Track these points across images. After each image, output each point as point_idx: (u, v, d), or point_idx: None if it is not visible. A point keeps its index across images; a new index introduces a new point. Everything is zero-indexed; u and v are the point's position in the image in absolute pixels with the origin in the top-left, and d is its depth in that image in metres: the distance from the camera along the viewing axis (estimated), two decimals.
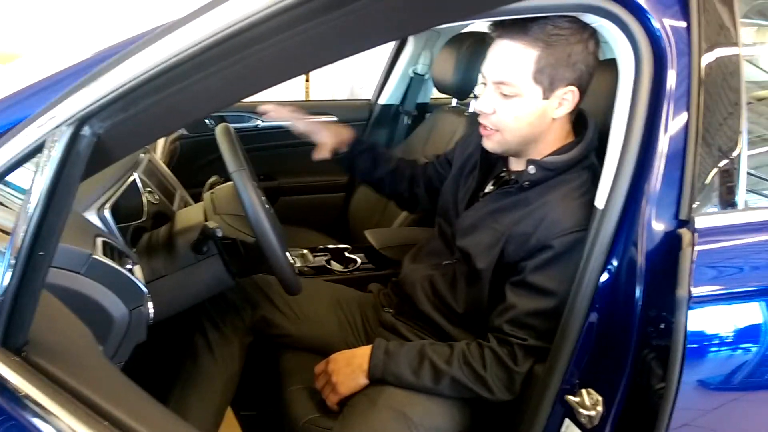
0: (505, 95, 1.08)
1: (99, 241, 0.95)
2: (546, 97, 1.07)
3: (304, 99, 4.61)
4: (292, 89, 4.59)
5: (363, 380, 1.18)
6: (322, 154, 1.48)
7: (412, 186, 1.51)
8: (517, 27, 1.03)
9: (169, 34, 0.56)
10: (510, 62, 1.05)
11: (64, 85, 0.62)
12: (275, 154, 2.38)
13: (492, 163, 1.28)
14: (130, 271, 0.96)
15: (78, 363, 0.61)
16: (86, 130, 0.57)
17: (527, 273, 1.09)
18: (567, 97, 1.08)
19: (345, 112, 2.46)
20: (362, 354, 1.19)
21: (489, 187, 1.26)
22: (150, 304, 0.98)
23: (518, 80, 1.05)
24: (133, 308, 0.93)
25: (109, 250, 0.95)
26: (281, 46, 0.57)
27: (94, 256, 0.89)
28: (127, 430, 0.52)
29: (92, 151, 0.58)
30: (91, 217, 1.03)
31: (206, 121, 2.20)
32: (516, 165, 1.21)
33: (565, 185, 1.10)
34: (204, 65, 0.55)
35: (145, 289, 0.95)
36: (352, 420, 1.12)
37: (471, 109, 1.97)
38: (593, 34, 1.05)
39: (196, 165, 2.15)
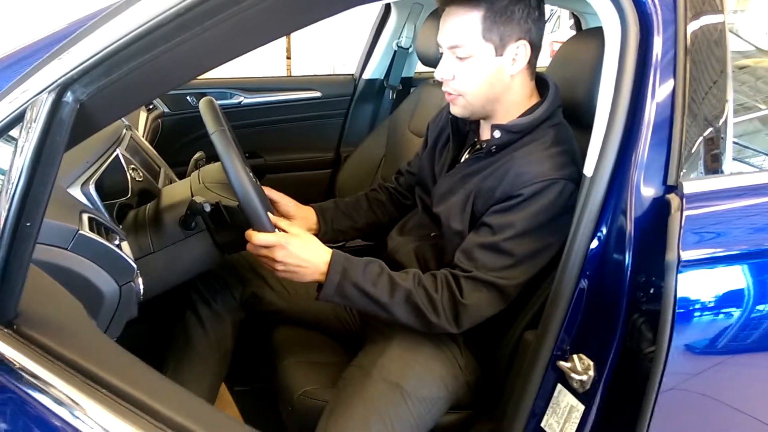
0: (460, 58, 1.12)
1: (85, 216, 0.93)
2: (499, 53, 1.11)
3: (286, 75, 4.57)
4: (273, 66, 4.54)
5: (315, 277, 1.12)
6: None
7: (400, 204, 1.53)
8: None
9: None
10: (459, 26, 1.10)
11: (43, 54, 0.60)
12: (260, 131, 2.36)
13: (464, 135, 1.31)
14: (118, 246, 0.95)
15: (70, 334, 0.60)
16: (68, 97, 0.56)
17: (486, 216, 1.13)
18: (519, 52, 1.11)
19: (329, 87, 2.44)
20: (319, 257, 1.11)
21: (464, 157, 1.28)
22: (140, 280, 0.97)
23: (469, 41, 1.10)
24: (123, 284, 0.92)
25: (95, 225, 0.93)
26: (267, 4, 0.55)
27: (81, 232, 0.87)
28: (124, 396, 0.52)
29: (75, 117, 0.56)
30: (76, 192, 1.01)
31: (188, 98, 2.17)
32: (485, 132, 1.25)
33: (530, 144, 1.14)
34: (188, 25, 0.53)
35: (134, 265, 0.94)
36: (347, 392, 1.13)
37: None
38: None
39: (179, 143, 2.13)
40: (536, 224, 1.08)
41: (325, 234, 1.45)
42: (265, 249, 1.08)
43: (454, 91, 1.16)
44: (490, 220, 1.12)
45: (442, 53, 1.17)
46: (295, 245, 1.09)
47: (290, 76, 4.06)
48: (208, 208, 1.09)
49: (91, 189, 1.03)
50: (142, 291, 0.98)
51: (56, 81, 0.56)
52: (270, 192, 1.37)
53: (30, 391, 0.55)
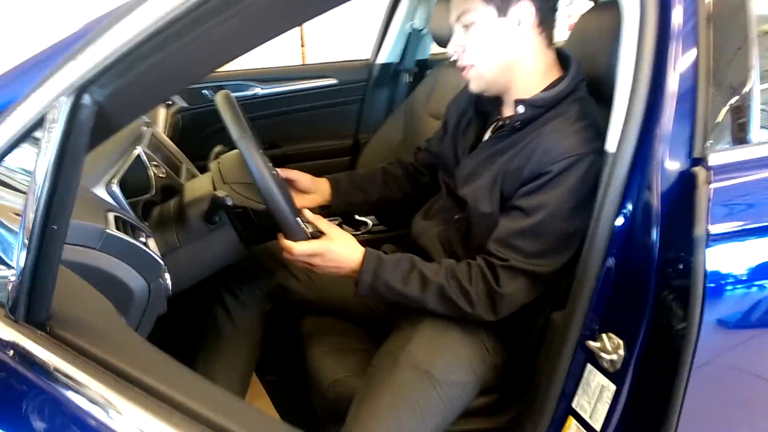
0: (466, 26, 1.13)
1: (111, 215, 0.95)
2: (502, 15, 1.10)
3: (300, 63, 4.56)
4: (288, 56, 4.53)
5: (348, 275, 1.17)
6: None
7: (415, 180, 1.52)
8: None
9: None
10: None
11: (60, 57, 0.60)
12: (277, 121, 2.36)
13: (486, 114, 1.30)
14: (145, 244, 0.96)
15: (102, 333, 0.61)
16: (86, 99, 0.56)
17: (517, 198, 1.12)
18: (524, 12, 1.10)
19: (343, 73, 2.43)
20: (353, 258, 1.15)
21: (487, 136, 1.27)
22: (167, 276, 0.99)
23: (471, 6, 1.11)
24: (152, 281, 0.93)
25: (121, 224, 0.95)
26: None
27: (107, 231, 0.89)
28: (157, 394, 0.52)
29: (95, 119, 0.56)
30: (100, 192, 1.03)
31: (205, 92, 2.18)
32: (507, 109, 1.23)
33: (555, 119, 1.12)
34: (201, 20, 0.53)
35: (161, 261, 0.96)
36: (375, 380, 1.13)
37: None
38: None
39: (198, 137, 2.14)
40: (569, 204, 1.07)
41: (337, 207, 1.47)
42: (304, 257, 1.13)
43: (467, 62, 1.16)
44: (521, 202, 1.10)
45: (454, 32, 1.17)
46: (333, 249, 1.14)
47: (311, 63, 4.05)
48: (230, 202, 1.10)
49: (115, 188, 1.04)
50: (170, 287, 0.99)
51: (73, 84, 0.57)
52: (286, 172, 1.38)
53: (65, 392, 0.56)
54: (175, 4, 0.54)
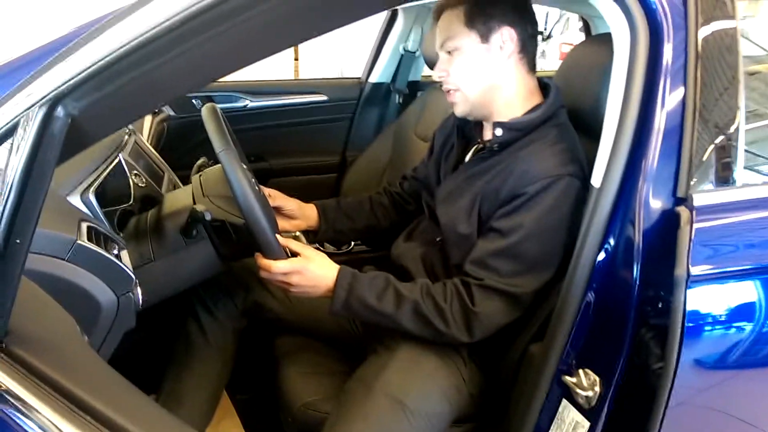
0: (449, 53, 1.17)
1: (84, 225, 0.92)
2: (485, 41, 1.14)
3: (293, 78, 4.56)
4: (281, 68, 4.53)
5: (323, 294, 1.15)
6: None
7: (402, 209, 1.53)
8: None
9: (144, 6, 0.53)
10: (445, 22, 1.17)
11: (36, 65, 0.58)
12: (265, 134, 2.35)
13: (468, 138, 1.31)
14: (117, 256, 0.94)
15: (61, 354, 0.58)
16: (60, 111, 0.54)
17: (494, 219, 1.13)
18: (505, 38, 1.13)
19: (335, 91, 2.43)
20: (329, 276, 1.14)
21: (467, 158, 1.28)
22: (138, 290, 0.96)
23: (454, 33, 1.15)
24: (121, 294, 0.91)
25: (94, 235, 0.92)
26: (269, 16, 0.53)
27: (78, 242, 0.86)
28: (110, 424, 0.50)
29: (67, 132, 0.55)
30: (75, 201, 1.00)
31: (193, 101, 2.16)
32: (488, 133, 1.24)
33: (533, 143, 1.14)
34: (182, 39, 0.52)
35: (132, 275, 0.93)
36: (348, 406, 1.11)
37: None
38: None
39: (184, 146, 2.11)
40: (545, 225, 1.07)
41: (324, 233, 1.47)
42: (281, 275, 1.12)
43: (452, 86, 1.18)
44: (499, 224, 1.11)
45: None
46: (309, 269, 1.13)
47: (297, 78, 4.06)
48: (208, 217, 1.08)
49: (91, 197, 1.02)
50: (141, 301, 0.97)
51: (47, 95, 0.55)
52: (274, 198, 1.38)
53: (13, 415, 0.53)
54: (156, 22, 0.52)
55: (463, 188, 1.20)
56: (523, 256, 1.08)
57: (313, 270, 1.13)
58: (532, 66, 1.19)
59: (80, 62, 0.55)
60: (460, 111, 1.21)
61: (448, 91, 1.20)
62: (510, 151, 1.15)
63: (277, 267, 1.10)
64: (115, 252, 0.95)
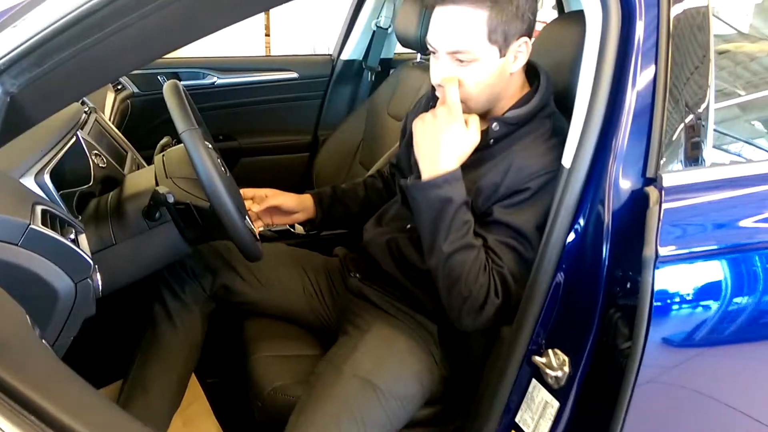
0: (461, 61, 1.05)
1: (38, 209, 0.88)
2: (503, 54, 1.06)
3: (264, 54, 4.47)
4: (251, 45, 4.43)
5: (428, 168, 1.04)
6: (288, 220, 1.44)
7: (393, 192, 1.49)
8: None
9: None
10: (461, 29, 1.02)
11: None
12: (235, 112, 2.29)
13: None
14: (74, 241, 0.90)
15: (7, 349, 0.55)
16: None
17: (497, 213, 1.08)
18: (521, 50, 1.07)
19: (306, 67, 2.38)
20: (448, 162, 1.04)
21: None
22: (98, 276, 0.92)
23: (474, 45, 1.03)
24: (79, 281, 0.87)
25: (49, 218, 0.88)
26: None
27: (32, 227, 0.82)
28: (57, 425, 0.47)
29: (6, 112, 0.51)
30: (29, 183, 0.95)
31: (158, 78, 2.10)
32: None
33: (529, 135, 1.11)
34: (125, 11, 0.48)
35: (90, 261, 0.89)
36: (318, 389, 1.10)
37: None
38: None
39: (149, 125, 2.05)
40: (544, 221, 1.03)
41: (321, 222, 1.45)
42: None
43: None
44: (502, 217, 1.07)
45: (432, 52, 1.09)
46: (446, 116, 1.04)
47: (268, 55, 3.97)
48: (171, 199, 1.04)
49: (46, 178, 0.97)
50: (100, 287, 0.93)
51: None
52: (271, 196, 1.37)
53: None
54: None
55: None
56: (526, 259, 1.06)
57: (452, 135, 1.03)
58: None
59: (17, 36, 0.51)
60: None
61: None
62: (503, 145, 1.12)
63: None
64: (72, 236, 0.90)
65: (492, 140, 1.11)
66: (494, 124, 1.10)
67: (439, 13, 1.04)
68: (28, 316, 0.63)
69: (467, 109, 1.10)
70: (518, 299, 1.06)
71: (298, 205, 1.41)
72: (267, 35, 4.85)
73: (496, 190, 1.08)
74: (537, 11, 1.09)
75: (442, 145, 1.04)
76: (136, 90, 2.07)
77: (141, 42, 0.51)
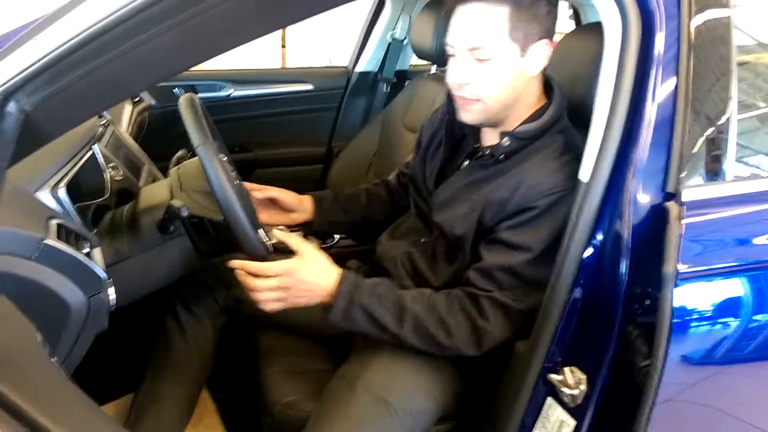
0: (480, 60, 1.03)
1: (53, 223, 0.88)
2: (523, 54, 1.04)
3: (280, 66, 4.50)
4: (267, 56, 4.47)
5: (322, 300, 1.07)
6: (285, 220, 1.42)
7: (396, 202, 1.49)
8: None
9: None
10: (483, 24, 1.01)
11: None
12: (250, 124, 2.30)
13: (458, 138, 1.25)
14: (88, 255, 0.90)
15: (16, 367, 0.55)
16: (11, 107, 0.50)
17: (501, 231, 1.07)
18: (541, 52, 1.05)
19: (321, 80, 2.38)
20: (327, 282, 1.05)
21: (465, 163, 1.22)
22: (111, 290, 0.92)
23: (494, 42, 1.02)
24: (92, 295, 0.87)
25: (64, 233, 0.89)
26: (231, 6, 0.50)
27: (46, 241, 0.82)
28: None
29: (21, 129, 0.51)
30: (45, 197, 0.96)
31: (175, 90, 2.11)
32: (489, 138, 1.18)
33: (540, 151, 1.08)
34: (140, 29, 0.48)
35: (103, 275, 0.89)
36: (330, 405, 1.08)
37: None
38: None
39: (166, 137, 2.06)
40: (553, 241, 1.02)
41: (319, 225, 1.42)
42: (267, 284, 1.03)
43: (472, 96, 1.07)
44: (508, 236, 1.05)
45: (451, 54, 1.08)
46: (302, 272, 1.04)
47: (284, 67, 4.00)
48: (185, 213, 1.04)
49: (61, 192, 0.98)
50: (113, 301, 0.93)
51: None
52: (269, 190, 1.35)
53: None
54: (110, 10, 0.48)
55: (463, 196, 1.14)
56: (529, 275, 1.04)
57: (305, 272, 1.04)
58: (545, 70, 1.11)
59: (32, 54, 0.51)
60: (471, 119, 1.11)
61: (464, 98, 1.08)
62: (515, 160, 1.09)
63: (258, 269, 1.01)
64: (86, 250, 0.91)
65: (503, 155, 1.09)
66: (505, 139, 1.08)
67: (461, 11, 1.04)
68: (38, 333, 0.63)
69: (484, 108, 1.08)
70: (527, 313, 1.05)
71: (297, 204, 1.39)
72: (283, 47, 4.88)
73: (505, 207, 1.06)
74: (557, 17, 1.07)
75: (312, 283, 1.05)
76: (153, 103, 2.09)
77: (155, 60, 0.51)
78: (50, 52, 0.50)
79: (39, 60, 0.50)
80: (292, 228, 1.76)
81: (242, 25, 0.55)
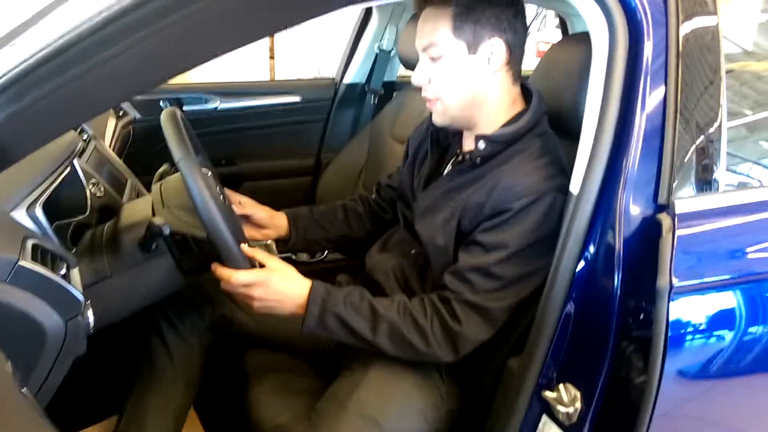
0: (433, 59, 1.08)
1: (29, 243, 0.85)
2: (472, 51, 1.06)
3: (269, 78, 4.48)
4: (256, 68, 4.45)
5: (294, 310, 1.08)
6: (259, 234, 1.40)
7: (378, 217, 1.48)
8: None
9: (61, 7, 0.47)
10: (430, 25, 1.07)
11: None
12: (237, 137, 2.27)
13: (444, 147, 1.25)
14: (65, 276, 0.87)
15: None
16: None
17: (476, 233, 1.07)
18: (494, 50, 1.06)
19: (308, 91, 2.36)
20: (298, 292, 1.07)
21: (447, 169, 1.22)
22: (89, 313, 0.89)
23: (440, 39, 1.05)
24: (69, 319, 0.84)
25: (40, 253, 0.85)
26: (207, 13, 0.47)
27: (20, 263, 0.79)
28: None
29: None
30: (21, 216, 0.93)
31: (161, 103, 2.08)
32: (468, 143, 1.18)
33: (517, 155, 1.08)
34: (109, 42, 0.45)
35: (81, 297, 0.86)
36: (321, 428, 1.06)
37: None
38: None
39: (151, 151, 2.03)
40: (529, 242, 1.02)
41: (294, 244, 1.40)
42: (242, 287, 1.04)
43: (432, 95, 1.11)
44: (482, 238, 1.05)
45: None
46: (275, 281, 1.06)
47: (271, 80, 3.98)
48: (167, 231, 1.01)
49: (38, 211, 0.95)
50: (92, 324, 0.90)
51: None
52: (244, 206, 1.33)
53: None
54: (76, 23, 0.46)
55: (442, 202, 1.14)
56: (504, 274, 1.03)
57: (277, 282, 1.06)
58: (517, 75, 1.12)
59: None
60: (439, 121, 1.14)
61: (428, 100, 1.12)
62: (492, 164, 1.09)
63: (237, 277, 1.03)
64: (64, 271, 0.87)
65: (479, 159, 1.09)
66: (480, 142, 1.08)
67: (421, 17, 1.09)
68: (9, 362, 0.60)
69: (444, 108, 1.10)
70: (509, 314, 1.05)
71: (269, 220, 1.37)
72: (272, 58, 4.86)
73: (481, 210, 1.06)
74: (515, 19, 1.07)
75: (283, 293, 1.07)
76: (137, 116, 2.06)
77: (130, 72, 0.48)
78: (14, 68, 0.47)
79: (2, 76, 0.47)
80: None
81: (223, 33, 0.52)
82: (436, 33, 1.05)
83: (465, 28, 1.04)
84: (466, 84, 1.08)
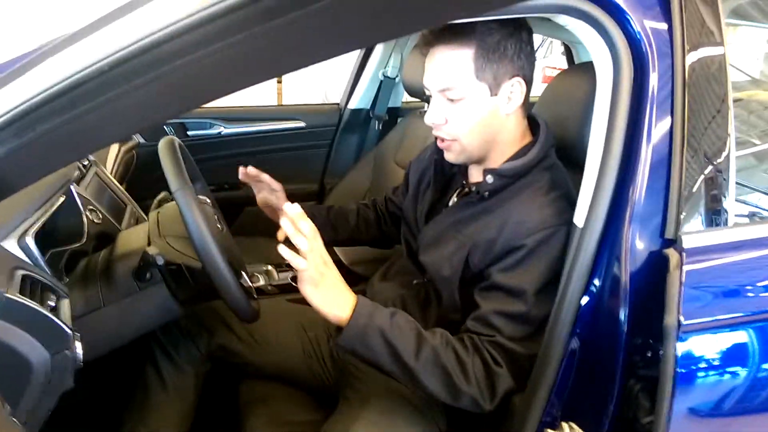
0: (452, 100, 1.03)
1: (18, 275, 0.83)
2: (494, 93, 1.03)
3: (276, 103, 4.50)
4: (263, 92, 4.47)
5: (339, 313, 0.95)
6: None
7: (381, 226, 1.48)
8: (447, 33, 1.01)
9: (72, 46, 0.46)
10: (449, 67, 1.02)
11: None
12: (241, 161, 2.25)
13: (448, 177, 1.23)
14: (54, 309, 0.85)
15: None
16: None
17: (494, 275, 1.02)
18: (514, 90, 1.04)
19: (313, 117, 2.36)
20: (349, 296, 0.97)
21: (452, 201, 1.19)
22: (78, 346, 0.86)
23: (462, 82, 1.01)
24: (55, 353, 0.81)
25: (29, 284, 0.83)
26: (208, 61, 0.46)
27: (7, 295, 0.77)
28: None
29: None
30: (11, 246, 0.91)
31: (165, 128, 2.08)
32: (475, 176, 1.15)
33: (526, 188, 1.05)
34: (114, 83, 0.44)
35: (69, 331, 0.84)
36: None
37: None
38: (523, 23, 1.03)
39: (154, 175, 2.02)
40: (548, 279, 0.98)
41: None
42: (321, 257, 0.94)
43: (448, 136, 1.06)
44: (501, 279, 1.00)
45: (429, 95, 1.08)
46: (337, 275, 0.97)
47: (275, 105, 3.99)
48: (161, 261, 1.00)
49: (29, 241, 0.93)
50: (80, 358, 0.87)
51: None
52: (278, 191, 1.41)
53: None
54: (83, 65, 0.45)
55: (449, 234, 1.10)
56: (532, 317, 0.99)
57: (338, 277, 0.97)
58: (529, 107, 1.09)
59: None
60: (453, 159, 1.11)
61: (442, 139, 1.08)
62: (501, 198, 1.06)
63: (321, 246, 0.94)
64: (53, 303, 0.85)
65: (487, 193, 1.06)
66: (488, 176, 1.05)
67: (431, 54, 1.04)
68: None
69: (461, 148, 1.07)
70: (531, 360, 0.99)
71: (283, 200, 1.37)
72: (279, 82, 4.90)
73: (492, 247, 1.02)
74: (531, 55, 1.05)
75: (336, 287, 0.97)
76: (142, 140, 2.06)
77: (132, 112, 0.47)
78: (17, 106, 0.46)
79: (5, 113, 0.46)
80: (281, 268, 1.72)
81: (234, 73, 0.51)
82: (456, 76, 1.01)
83: (486, 69, 1.00)
84: (486, 124, 1.05)
